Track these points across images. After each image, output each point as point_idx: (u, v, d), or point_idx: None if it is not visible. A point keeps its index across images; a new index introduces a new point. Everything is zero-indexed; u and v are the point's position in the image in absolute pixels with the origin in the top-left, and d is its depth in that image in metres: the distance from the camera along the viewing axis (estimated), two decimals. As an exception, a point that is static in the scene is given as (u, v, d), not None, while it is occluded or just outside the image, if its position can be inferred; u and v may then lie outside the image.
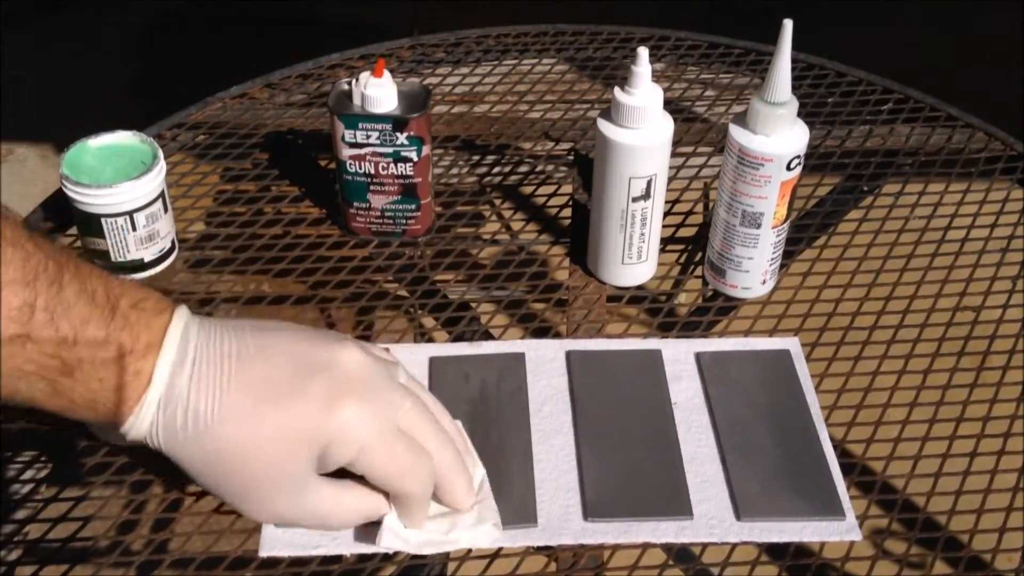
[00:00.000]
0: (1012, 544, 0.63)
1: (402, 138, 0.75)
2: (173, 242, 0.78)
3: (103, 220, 0.73)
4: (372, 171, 0.77)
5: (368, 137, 0.75)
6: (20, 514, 0.64)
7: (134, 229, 0.74)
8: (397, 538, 0.58)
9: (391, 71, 0.76)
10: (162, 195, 0.75)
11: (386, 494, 0.58)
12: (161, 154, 0.76)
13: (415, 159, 0.77)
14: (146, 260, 0.76)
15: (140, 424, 0.55)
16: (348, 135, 0.75)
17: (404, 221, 0.80)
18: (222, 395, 0.54)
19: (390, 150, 0.76)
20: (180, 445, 0.55)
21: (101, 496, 0.64)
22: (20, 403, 0.54)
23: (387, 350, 0.63)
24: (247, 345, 0.56)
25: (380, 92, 0.74)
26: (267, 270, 0.79)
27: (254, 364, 0.55)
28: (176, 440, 0.55)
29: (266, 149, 0.92)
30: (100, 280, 0.54)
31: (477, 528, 0.60)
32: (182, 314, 0.56)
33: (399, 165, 0.77)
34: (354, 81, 0.75)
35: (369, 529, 0.60)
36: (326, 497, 0.57)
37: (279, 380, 0.55)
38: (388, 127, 0.75)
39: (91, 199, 0.72)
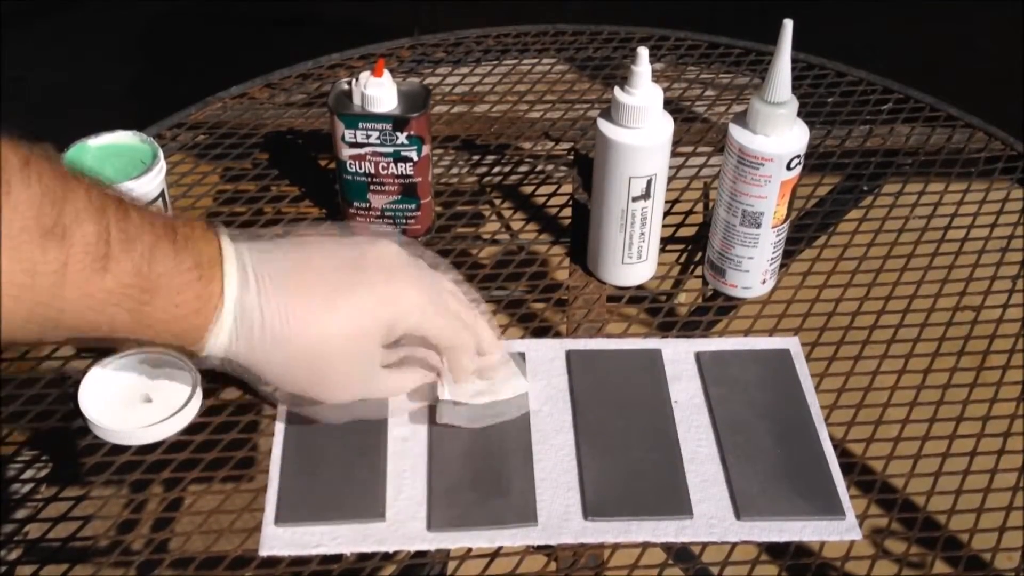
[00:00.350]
0: (1012, 543, 0.63)
1: (402, 138, 0.75)
2: (173, 242, 0.78)
3: (103, 220, 0.73)
4: (372, 171, 0.77)
5: (368, 137, 0.75)
6: (20, 514, 0.64)
7: (134, 229, 0.74)
8: (453, 412, 0.66)
9: (391, 71, 0.76)
10: (162, 195, 0.75)
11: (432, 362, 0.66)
12: (161, 154, 0.76)
13: (415, 159, 0.77)
14: (146, 260, 0.76)
15: (218, 342, 0.58)
16: (348, 135, 0.75)
17: (404, 221, 0.80)
18: (288, 301, 0.59)
19: (390, 150, 0.76)
20: (259, 353, 0.59)
21: (101, 496, 0.64)
22: (100, 336, 0.55)
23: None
24: (296, 258, 0.61)
25: (380, 92, 0.74)
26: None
27: (308, 270, 0.60)
28: (255, 350, 0.59)
29: (266, 149, 0.92)
30: (153, 211, 0.57)
31: (510, 381, 0.68)
32: (227, 239, 0.59)
33: (399, 165, 0.77)
34: (354, 81, 0.75)
35: (371, 527, 0.60)
36: (391, 375, 0.65)
37: (334, 278, 0.60)
38: (388, 127, 0.75)
39: (91, 199, 0.72)
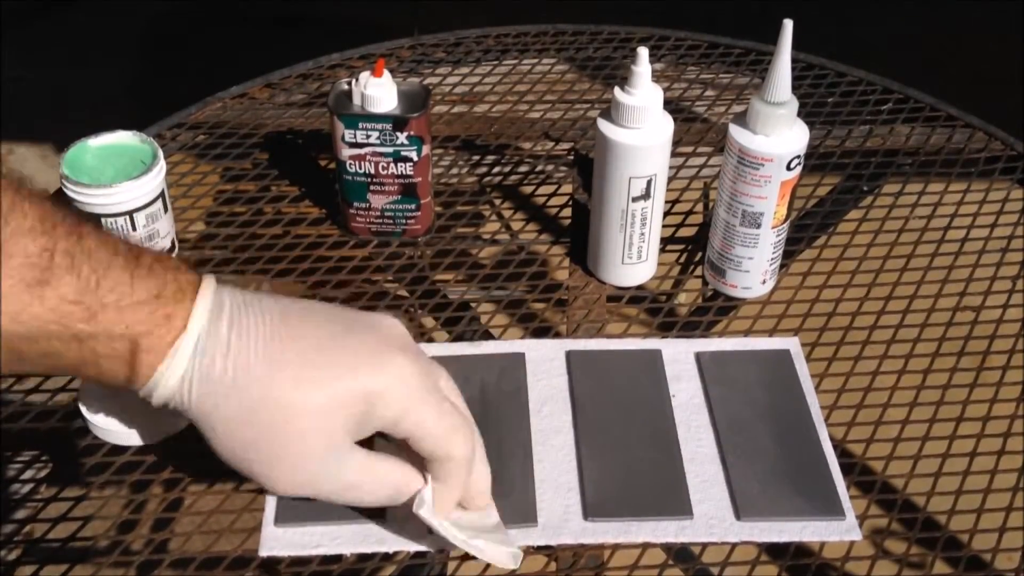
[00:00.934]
0: (1012, 544, 0.63)
1: (402, 138, 0.75)
2: (173, 242, 0.78)
3: (103, 220, 0.73)
4: (372, 171, 0.77)
5: (368, 137, 0.75)
6: (20, 514, 0.64)
7: (134, 229, 0.74)
8: (430, 514, 0.56)
9: (391, 71, 0.76)
10: (162, 195, 0.75)
11: (421, 469, 0.56)
12: (161, 154, 0.76)
13: (415, 159, 0.77)
14: (146, 260, 0.76)
15: (171, 374, 0.51)
16: (348, 135, 0.75)
17: (404, 221, 0.80)
18: (267, 345, 0.51)
19: (390, 150, 0.76)
20: (216, 397, 0.51)
21: (101, 496, 0.64)
22: (37, 365, 0.50)
23: None
24: (286, 306, 0.54)
25: (380, 92, 0.74)
26: (267, 270, 0.79)
27: (297, 322, 0.53)
28: (212, 391, 0.51)
29: (266, 149, 0.92)
30: (121, 240, 0.52)
31: (500, 548, 0.58)
32: (210, 277, 0.53)
33: (399, 165, 0.77)
34: (354, 81, 0.75)
35: (371, 527, 0.60)
36: (358, 464, 0.54)
37: (324, 337, 0.53)
38: (388, 127, 0.75)
39: (91, 199, 0.72)
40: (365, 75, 0.75)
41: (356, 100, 0.75)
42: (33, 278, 0.47)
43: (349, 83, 0.76)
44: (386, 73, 0.75)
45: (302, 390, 0.52)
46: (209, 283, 0.53)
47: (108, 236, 0.51)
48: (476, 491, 0.58)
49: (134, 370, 0.51)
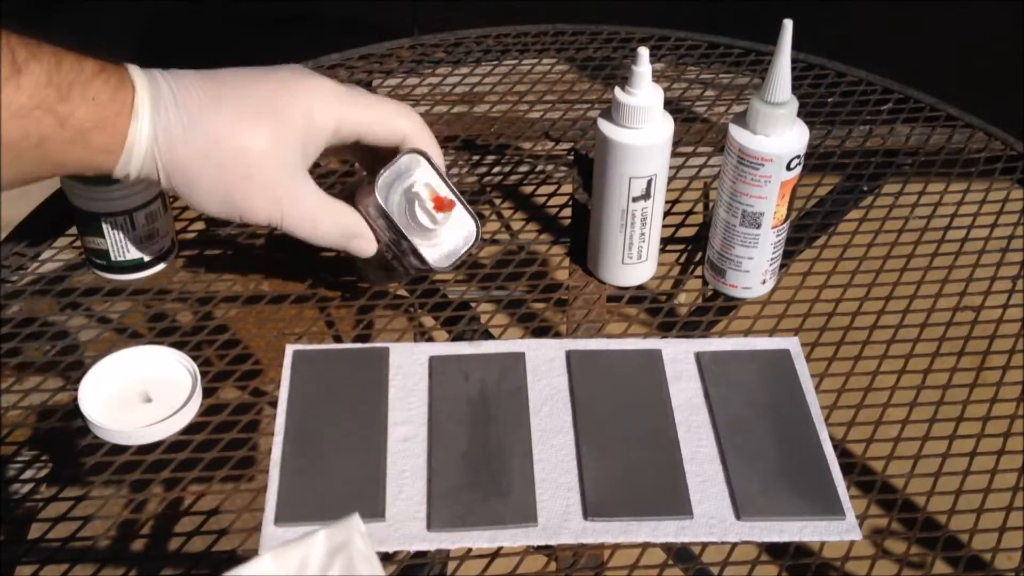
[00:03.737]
0: (1012, 544, 0.63)
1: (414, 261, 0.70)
2: (173, 241, 0.78)
3: (103, 219, 0.73)
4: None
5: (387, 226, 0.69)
6: (20, 514, 0.64)
7: (134, 228, 0.74)
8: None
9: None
10: (161, 194, 0.75)
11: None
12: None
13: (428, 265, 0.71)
14: (146, 259, 0.76)
15: (140, 129, 0.60)
16: (382, 227, 0.69)
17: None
18: (203, 89, 0.62)
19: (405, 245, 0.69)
20: (181, 144, 0.61)
21: (101, 496, 0.64)
22: (32, 161, 0.58)
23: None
24: (205, 73, 0.64)
25: (424, 215, 0.68)
26: (267, 269, 0.79)
27: (224, 74, 0.64)
28: (176, 140, 0.61)
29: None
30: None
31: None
32: (131, 65, 0.62)
33: (411, 260, 0.71)
34: (422, 196, 0.68)
35: (371, 527, 0.60)
36: (315, 193, 0.65)
37: (251, 78, 0.64)
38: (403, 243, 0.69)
39: (91, 198, 0.72)
40: (425, 194, 0.68)
41: (423, 218, 0.68)
42: (6, 72, 0.55)
43: (417, 191, 0.68)
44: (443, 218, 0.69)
45: (248, 125, 0.62)
46: (135, 68, 0.62)
47: (37, 40, 0.59)
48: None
49: (112, 139, 0.60)
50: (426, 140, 0.69)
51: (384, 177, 0.67)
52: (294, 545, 0.46)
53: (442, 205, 0.68)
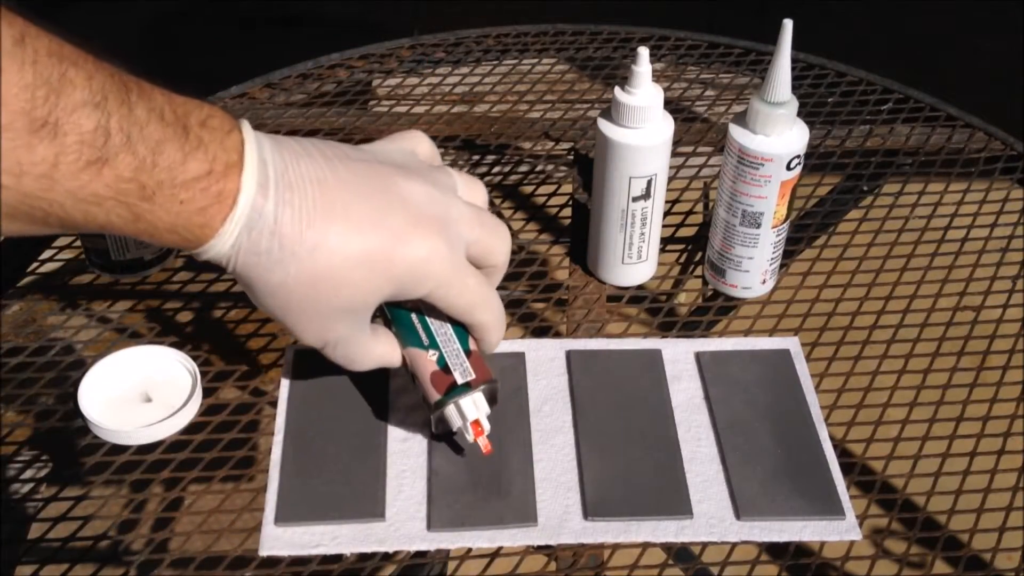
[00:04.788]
0: (1012, 544, 0.63)
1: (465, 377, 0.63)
2: (173, 242, 0.78)
3: (103, 220, 0.73)
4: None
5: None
6: (20, 514, 0.64)
7: (134, 229, 0.74)
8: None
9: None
10: (162, 195, 0.75)
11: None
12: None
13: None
14: (145, 259, 0.76)
15: (221, 246, 0.54)
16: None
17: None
18: (309, 220, 0.54)
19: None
20: (261, 268, 0.55)
21: (101, 496, 0.64)
22: (97, 230, 0.52)
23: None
24: (323, 170, 0.56)
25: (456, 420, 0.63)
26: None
27: (336, 191, 0.56)
28: (258, 263, 0.55)
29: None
30: (164, 97, 0.52)
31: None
32: (250, 132, 0.55)
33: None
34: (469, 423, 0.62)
35: (371, 527, 0.60)
36: (363, 341, 0.61)
37: (361, 211, 0.56)
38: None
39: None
40: (469, 433, 0.62)
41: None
42: (90, 157, 0.48)
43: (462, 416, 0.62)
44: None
45: (341, 265, 0.56)
46: (251, 150, 0.54)
47: (152, 98, 0.51)
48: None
49: (191, 234, 0.53)
50: (493, 340, 0.64)
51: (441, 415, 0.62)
52: None
53: (478, 432, 0.62)
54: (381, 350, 0.63)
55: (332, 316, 0.58)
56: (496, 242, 0.62)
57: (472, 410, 0.61)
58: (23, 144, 0.46)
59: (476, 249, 0.61)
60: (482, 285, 0.61)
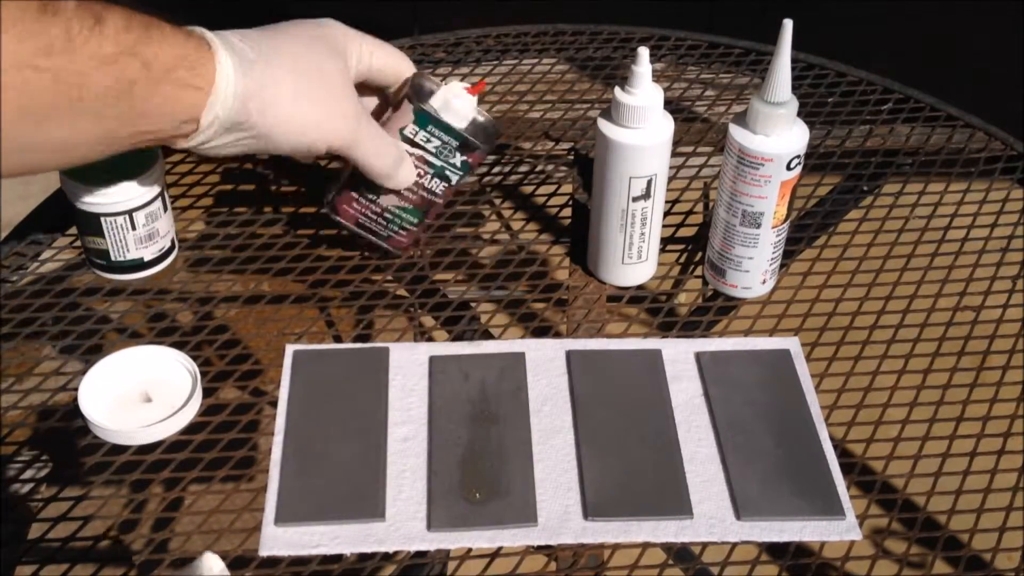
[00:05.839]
0: (1012, 544, 0.63)
1: (457, 159, 0.73)
2: (173, 241, 0.78)
3: (103, 219, 0.73)
4: None
5: (428, 140, 0.72)
6: (20, 514, 0.64)
7: (133, 228, 0.74)
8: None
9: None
10: (161, 194, 0.75)
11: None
12: (161, 153, 0.76)
13: (453, 183, 0.74)
14: (146, 259, 0.76)
15: (225, 62, 0.61)
16: (410, 129, 0.72)
17: (397, 229, 0.77)
18: (261, 30, 0.66)
19: (439, 164, 0.73)
20: (261, 66, 0.63)
21: (101, 496, 0.64)
22: (120, 97, 0.57)
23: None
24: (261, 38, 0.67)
25: (464, 106, 0.72)
26: (266, 269, 0.79)
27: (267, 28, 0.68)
28: (253, 64, 0.63)
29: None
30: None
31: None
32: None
33: (435, 181, 0.74)
34: (444, 82, 0.73)
35: (371, 527, 0.60)
36: (372, 119, 0.70)
37: (294, 23, 0.69)
38: (453, 143, 0.72)
39: (91, 198, 0.72)
40: (458, 85, 0.72)
41: (436, 103, 0.72)
42: (89, 22, 0.55)
43: (437, 83, 0.73)
44: (477, 96, 0.72)
45: (318, 50, 0.67)
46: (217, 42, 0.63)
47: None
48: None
49: (198, 71, 0.60)
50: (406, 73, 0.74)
51: (430, 99, 0.72)
52: None
53: (475, 89, 0.73)
54: (395, 144, 0.71)
55: (345, 90, 0.67)
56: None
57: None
58: (38, 22, 0.53)
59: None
60: (387, 45, 0.72)
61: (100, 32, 0.55)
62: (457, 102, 0.72)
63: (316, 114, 0.65)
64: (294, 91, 0.64)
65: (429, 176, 0.74)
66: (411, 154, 0.73)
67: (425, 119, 0.72)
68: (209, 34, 0.63)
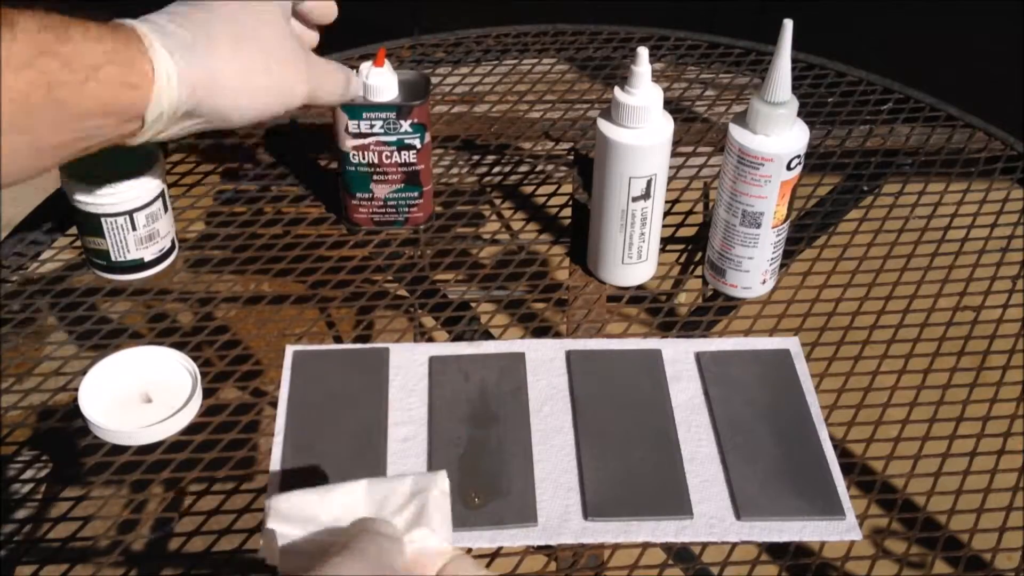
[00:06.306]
0: (1012, 544, 0.63)
1: (405, 126, 0.76)
2: (173, 242, 0.78)
3: (103, 220, 0.73)
4: (376, 160, 0.77)
5: (372, 127, 0.76)
6: (20, 514, 0.64)
7: (134, 229, 0.74)
8: None
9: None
10: (162, 195, 0.75)
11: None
12: (161, 154, 0.76)
13: (418, 146, 0.77)
14: (146, 260, 0.76)
15: (160, 53, 0.58)
16: (352, 125, 0.76)
17: (407, 209, 0.81)
18: (180, 5, 0.62)
19: (394, 138, 0.76)
20: (202, 46, 0.60)
21: (101, 496, 0.64)
22: (50, 121, 0.54)
23: None
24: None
25: (382, 81, 0.75)
26: (267, 270, 0.79)
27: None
28: (191, 45, 0.59)
29: (266, 149, 0.92)
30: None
31: None
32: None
33: (403, 153, 0.77)
34: (355, 72, 0.75)
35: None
36: (314, 57, 0.67)
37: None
38: (392, 115, 0.75)
39: (91, 199, 0.72)
40: (366, 65, 0.75)
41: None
42: (44, 23, 0.53)
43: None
44: (387, 62, 0.75)
45: (250, 9, 0.63)
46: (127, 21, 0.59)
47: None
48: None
49: (132, 67, 0.57)
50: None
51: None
52: (385, 481, 0.49)
53: (379, 61, 0.75)
54: (339, 67, 0.70)
55: (286, 45, 0.64)
56: None
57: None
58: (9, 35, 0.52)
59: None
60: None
61: (11, 35, 0.52)
62: (373, 80, 0.74)
63: (266, 81, 0.63)
64: (240, 66, 0.62)
65: (395, 151, 0.77)
66: (367, 143, 0.76)
67: (355, 111, 0.75)
68: (140, 25, 0.59)
